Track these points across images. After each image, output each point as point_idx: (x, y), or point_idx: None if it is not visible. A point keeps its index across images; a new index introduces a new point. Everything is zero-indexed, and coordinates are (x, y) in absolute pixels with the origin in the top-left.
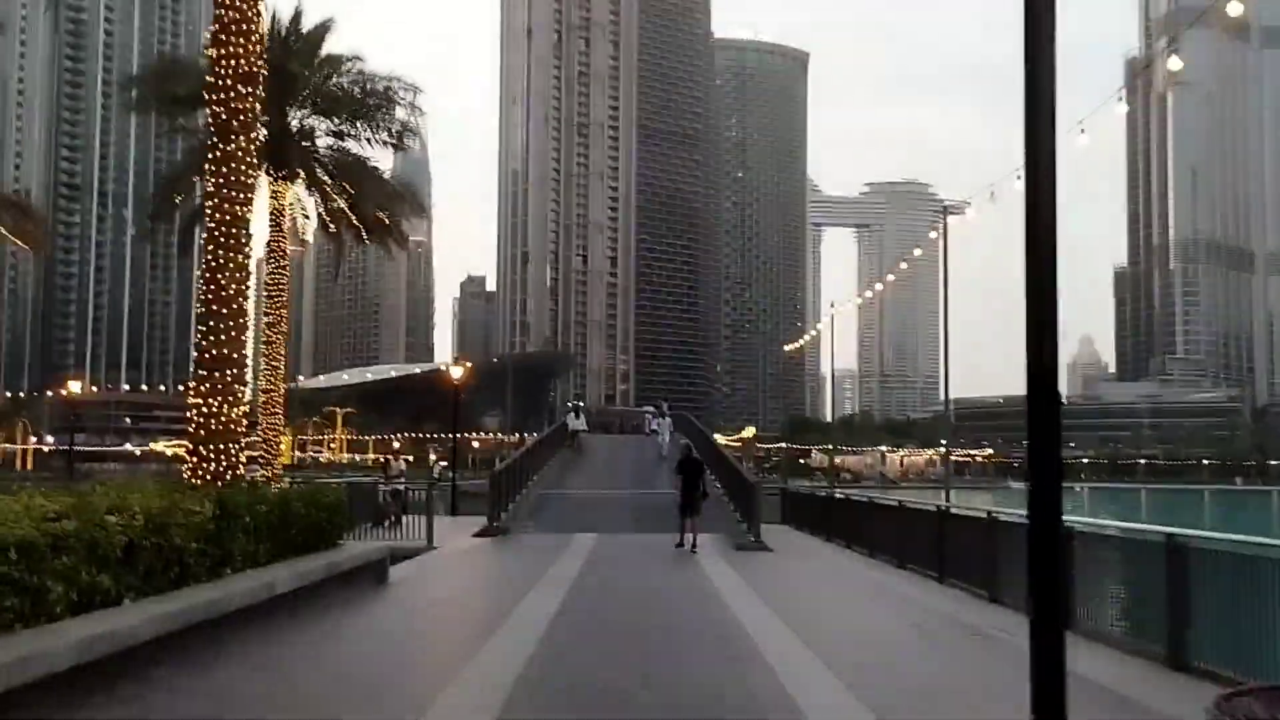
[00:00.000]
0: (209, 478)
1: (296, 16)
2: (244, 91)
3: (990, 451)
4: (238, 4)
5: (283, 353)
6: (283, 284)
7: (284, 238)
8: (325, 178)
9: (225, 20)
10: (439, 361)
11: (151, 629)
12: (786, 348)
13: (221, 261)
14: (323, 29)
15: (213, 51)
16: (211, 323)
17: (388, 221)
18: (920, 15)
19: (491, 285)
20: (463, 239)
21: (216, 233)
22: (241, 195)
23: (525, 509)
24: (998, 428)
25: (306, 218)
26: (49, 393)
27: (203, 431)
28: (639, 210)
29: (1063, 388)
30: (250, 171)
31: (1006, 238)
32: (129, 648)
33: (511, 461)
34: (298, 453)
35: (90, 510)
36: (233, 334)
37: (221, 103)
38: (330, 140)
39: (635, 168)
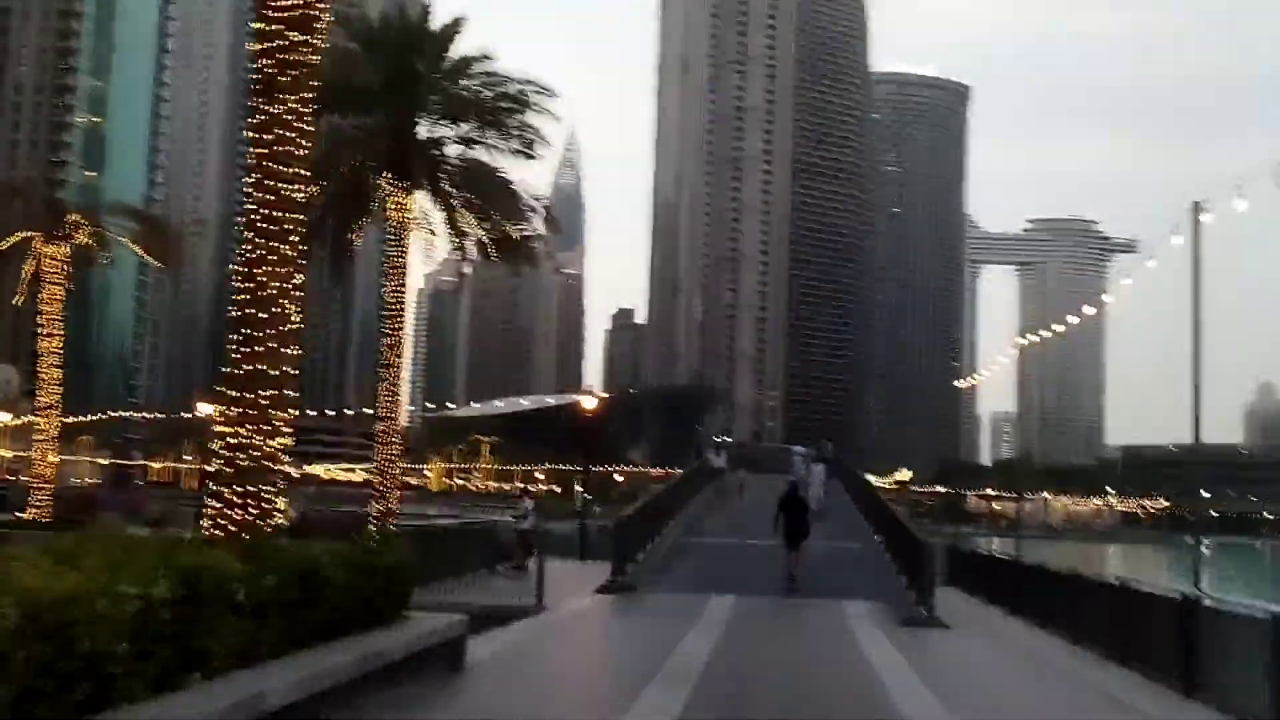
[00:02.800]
0: (233, 528)
1: (424, 14)
2: (298, 39)
3: (1165, 503)
4: None
5: (401, 377)
6: (402, 302)
7: (405, 253)
8: (451, 188)
9: None
10: (590, 393)
11: None
12: (959, 384)
13: (262, 253)
14: (452, 28)
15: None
16: (245, 330)
17: (518, 237)
18: (1083, 47)
19: (641, 318)
20: (615, 271)
21: (255, 215)
22: (289, 170)
23: (657, 559)
24: (1171, 477)
25: (433, 234)
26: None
27: (229, 469)
28: (792, 245)
29: (1238, 436)
30: (300, 141)
31: (1185, 274)
32: None
33: (642, 505)
34: (446, 480)
35: None
36: (271, 344)
37: (268, 38)
38: (458, 149)
39: (789, 202)
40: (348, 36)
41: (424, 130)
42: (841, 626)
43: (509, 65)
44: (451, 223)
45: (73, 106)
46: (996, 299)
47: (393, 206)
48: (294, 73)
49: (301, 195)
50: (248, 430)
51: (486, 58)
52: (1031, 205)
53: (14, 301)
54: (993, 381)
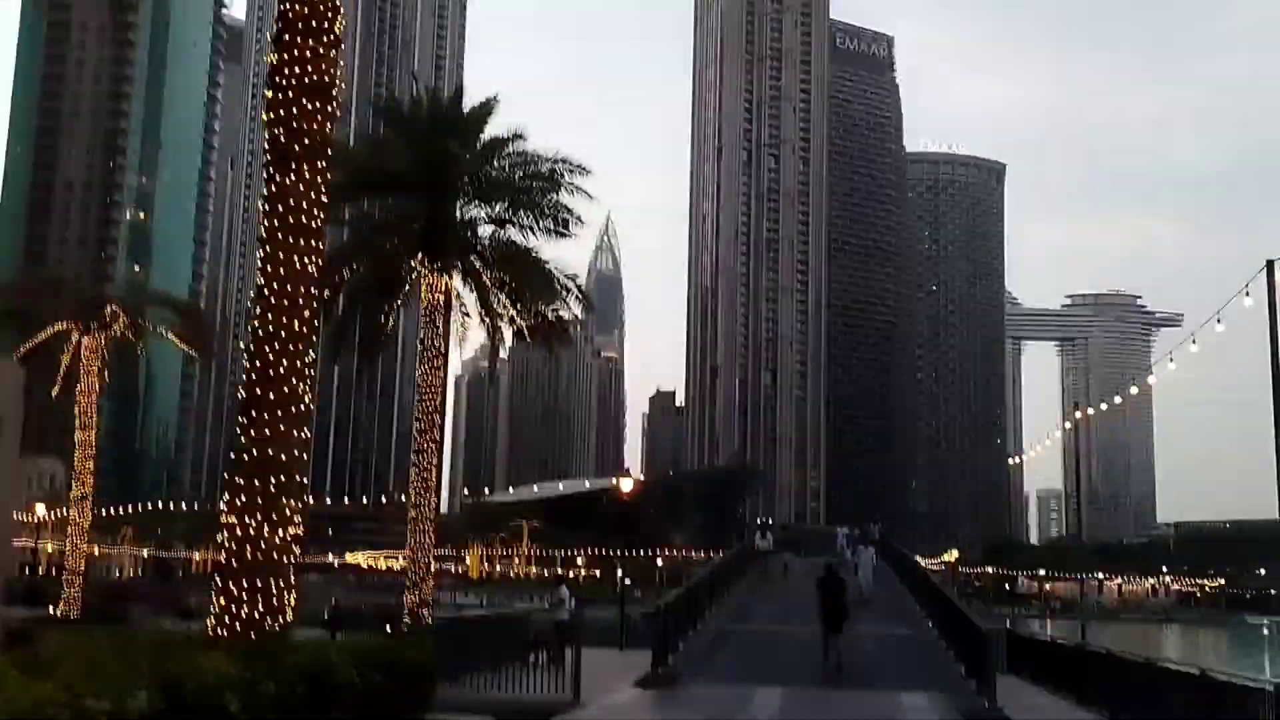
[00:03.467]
0: (239, 626)
1: (456, 96)
2: (311, 108)
3: (1221, 581)
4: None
5: (435, 463)
6: (436, 386)
7: (438, 336)
8: (483, 269)
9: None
10: (628, 475)
11: None
12: (1012, 462)
13: (272, 330)
14: (484, 109)
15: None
16: (254, 411)
17: (552, 317)
18: (1118, 125)
19: (681, 400)
20: (653, 354)
21: (265, 290)
22: (302, 243)
23: (700, 647)
24: (1226, 554)
25: (466, 315)
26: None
27: (235, 562)
28: (830, 325)
29: None
30: (314, 212)
31: (1234, 350)
32: None
33: (685, 591)
34: (485, 567)
35: None
36: (281, 427)
37: (280, 107)
38: (491, 229)
39: (826, 282)
40: (381, 120)
41: (456, 212)
42: None
43: (543, 144)
44: (484, 304)
45: (120, 203)
46: (1039, 375)
47: (425, 289)
48: (307, 141)
49: (315, 269)
50: (256, 520)
51: (518, 137)
52: (1071, 281)
53: (51, 393)
54: (1038, 458)
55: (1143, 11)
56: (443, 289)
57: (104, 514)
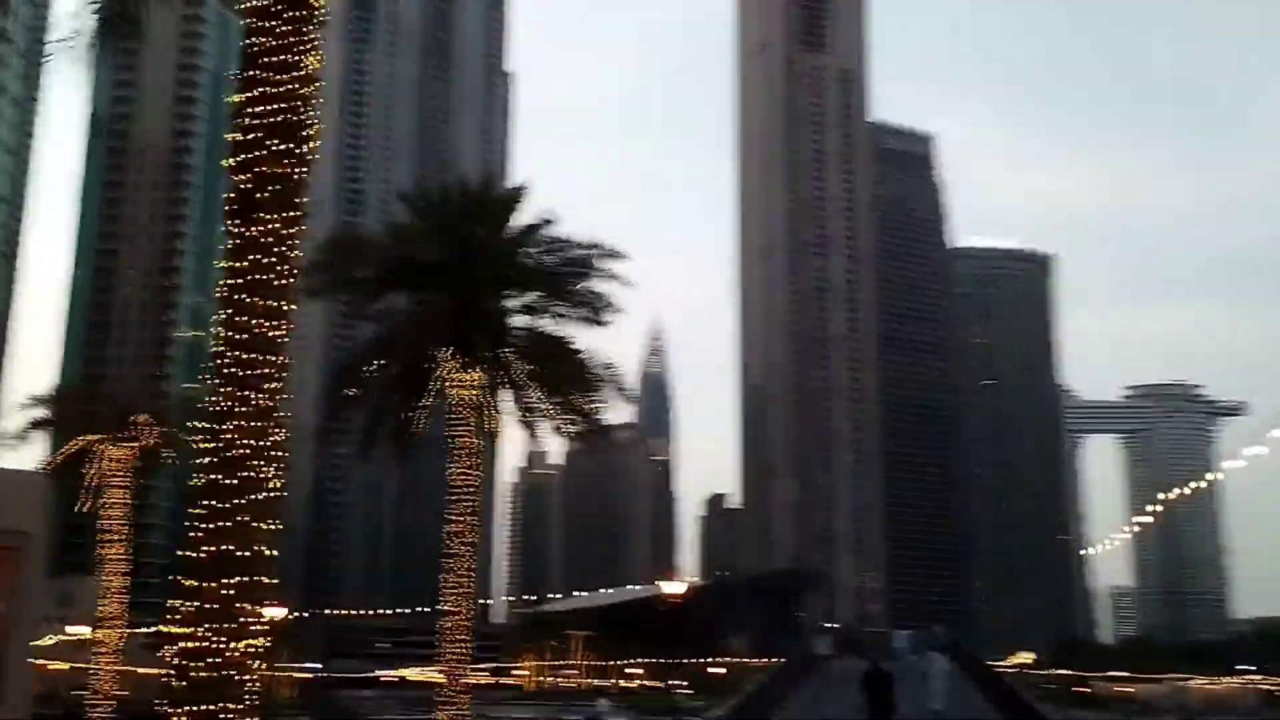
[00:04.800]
0: None
1: (486, 182)
2: (280, 149)
3: None
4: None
5: (472, 568)
6: (469, 487)
7: (470, 432)
8: (514, 359)
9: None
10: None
11: None
12: (1089, 552)
13: (231, 405)
14: (515, 194)
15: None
16: (209, 500)
17: (589, 410)
18: (1166, 212)
19: (735, 502)
20: (706, 456)
21: (224, 358)
22: (266, 303)
23: None
24: None
25: (496, 411)
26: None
27: (180, 683)
28: (883, 422)
29: None
30: (282, 269)
31: None
32: None
33: (742, 701)
34: (539, 678)
35: None
36: (241, 517)
37: (245, 149)
38: (523, 319)
39: (876, 378)
40: (411, 211)
41: (485, 302)
42: None
43: (575, 228)
44: (516, 396)
45: (175, 322)
46: (1101, 468)
47: (454, 384)
48: (276, 187)
49: (282, 334)
50: (206, 631)
51: (549, 222)
52: (1127, 371)
53: (76, 509)
54: (1106, 554)
55: (1184, 100)
56: (473, 383)
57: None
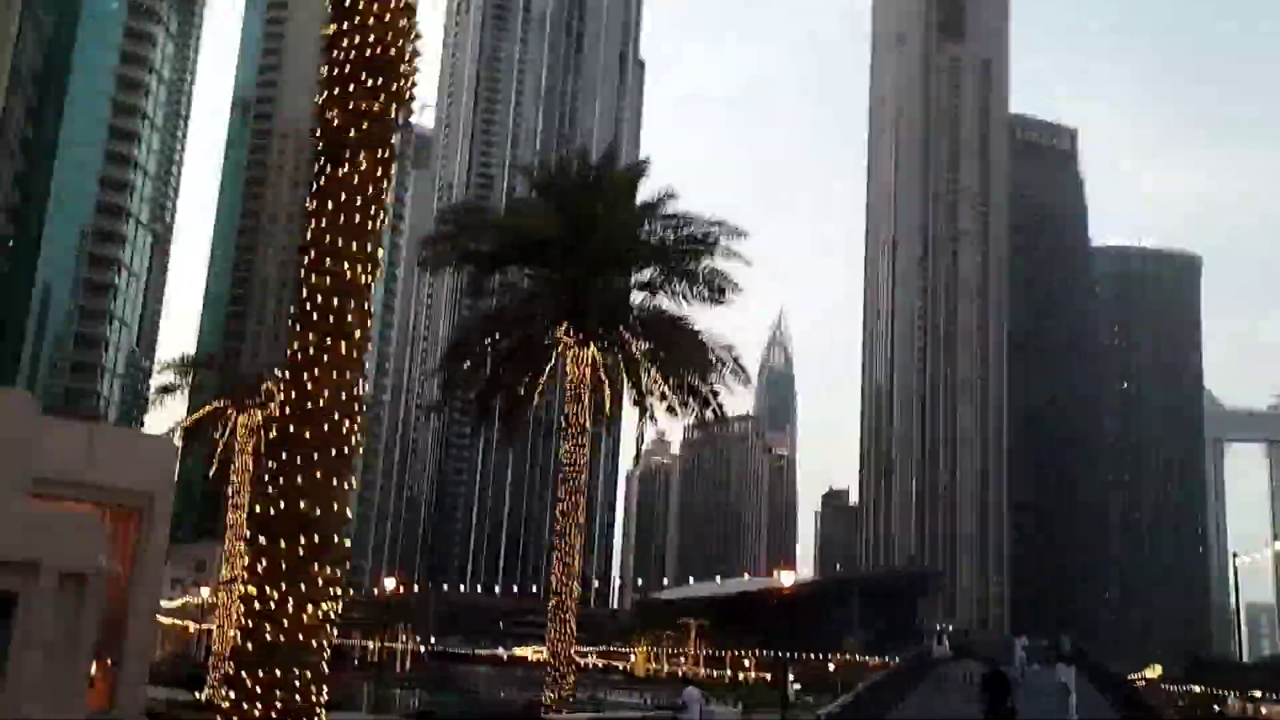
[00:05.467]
0: None
1: (607, 158)
2: (372, 85)
3: None
4: None
5: (577, 546)
6: (579, 465)
7: (582, 411)
8: (631, 339)
9: None
10: (789, 567)
11: None
12: (1232, 564)
13: (313, 352)
14: (636, 171)
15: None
16: (286, 452)
17: (705, 391)
18: None
19: (854, 499)
20: (826, 452)
21: (307, 303)
22: (352, 247)
23: None
24: None
25: (613, 388)
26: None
27: (250, 644)
28: (1011, 423)
29: None
30: (369, 212)
31: None
32: None
33: (852, 700)
34: (652, 665)
35: None
36: (317, 474)
37: (335, 84)
38: (641, 297)
39: (1006, 379)
40: (532, 188)
41: (602, 278)
42: None
43: (696, 204)
44: (631, 375)
45: None
46: (1246, 478)
47: (571, 361)
48: (366, 125)
49: (368, 279)
50: (280, 591)
51: (670, 197)
52: (1277, 378)
53: (207, 475)
54: (1246, 569)
55: None
56: (588, 361)
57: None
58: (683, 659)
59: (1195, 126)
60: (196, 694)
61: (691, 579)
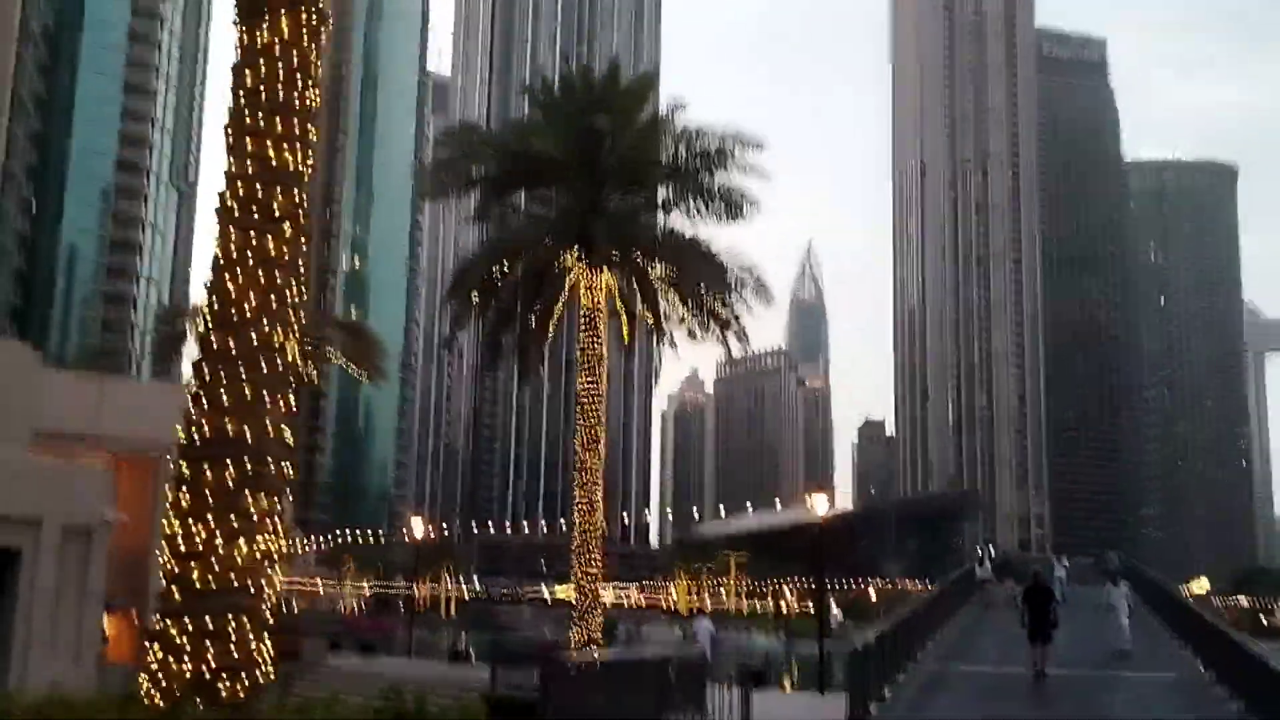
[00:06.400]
0: (178, 687)
1: (612, 72)
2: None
3: None
4: None
5: (599, 482)
6: (597, 396)
7: (598, 339)
8: (645, 261)
9: None
10: (821, 490)
11: None
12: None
13: (237, 252)
14: (643, 83)
15: None
16: (212, 369)
17: (724, 313)
18: None
19: (890, 429)
20: (860, 382)
21: (229, 196)
22: (278, 130)
23: (910, 693)
24: None
25: (628, 315)
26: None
27: (176, 590)
28: (1048, 342)
29: None
30: (299, 85)
31: None
32: None
33: (891, 626)
34: (693, 600)
35: None
36: (246, 391)
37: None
38: (655, 217)
39: (1041, 298)
40: (534, 106)
41: (612, 198)
42: None
43: (709, 116)
44: (647, 298)
45: (336, 251)
46: None
47: (584, 289)
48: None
49: (300, 164)
50: (207, 528)
51: (680, 108)
52: None
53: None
54: None
55: None
56: (601, 286)
57: (322, 546)
58: (723, 593)
59: (1228, 34)
60: None
61: (723, 511)
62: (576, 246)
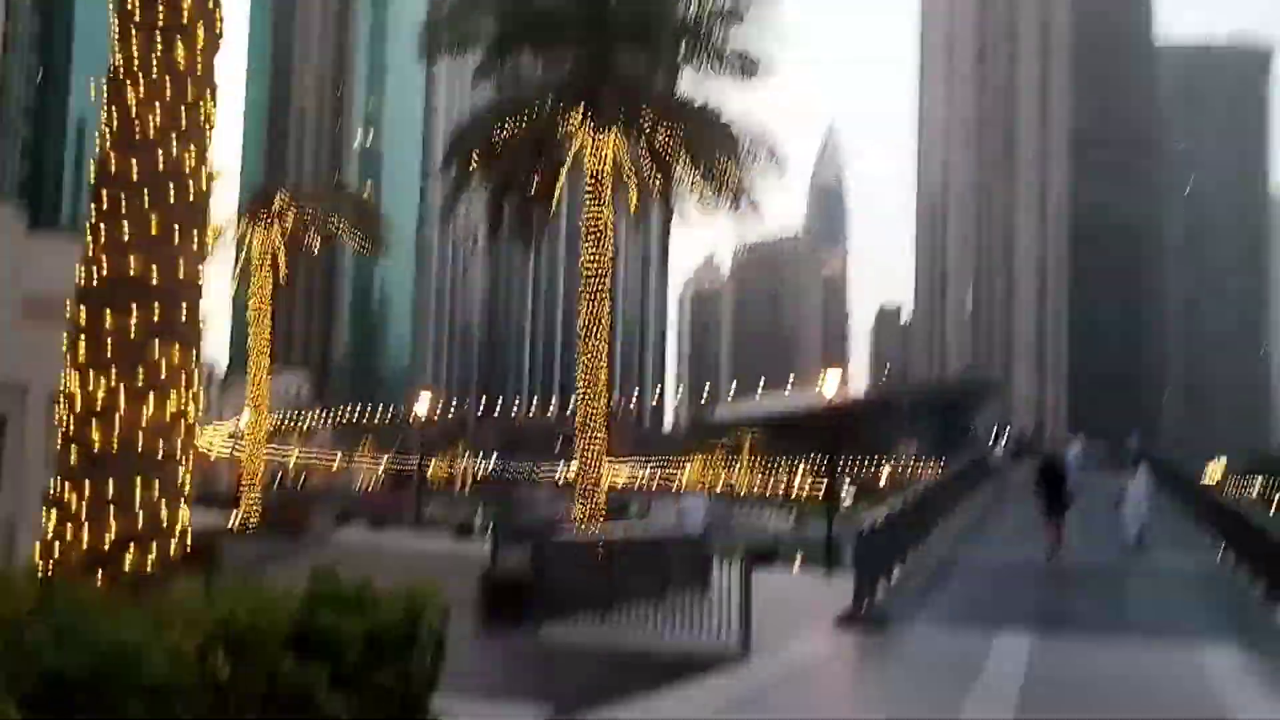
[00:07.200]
0: (74, 559)
1: None
2: None
3: None
4: None
5: (603, 357)
6: (603, 269)
7: (603, 208)
8: (652, 125)
9: None
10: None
11: None
12: None
13: (138, 61)
14: None
15: None
16: (106, 196)
17: (735, 182)
18: None
19: (907, 316)
20: (879, 270)
21: (130, 15)
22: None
23: (919, 578)
24: None
25: (635, 181)
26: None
27: (73, 453)
28: (1071, 228)
29: None
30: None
31: None
32: None
33: (900, 508)
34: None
35: None
36: (152, 219)
37: None
38: (665, 80)
39: (1065, 183)
40: None
41: (620, 57)
42: (1204, 694)
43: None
44: (656, 160)
45: (350, 128)
46: None
47: (589, 155)
48: None
49: None
50: (107, 381)
51: None
52: None
53: (231, 296)
54: None
55: None
56: (609, 148)
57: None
58: (737, 473)
59: None
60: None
61: (730, 395)
62: (583, 105)
